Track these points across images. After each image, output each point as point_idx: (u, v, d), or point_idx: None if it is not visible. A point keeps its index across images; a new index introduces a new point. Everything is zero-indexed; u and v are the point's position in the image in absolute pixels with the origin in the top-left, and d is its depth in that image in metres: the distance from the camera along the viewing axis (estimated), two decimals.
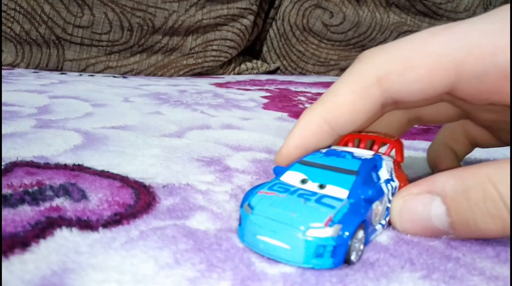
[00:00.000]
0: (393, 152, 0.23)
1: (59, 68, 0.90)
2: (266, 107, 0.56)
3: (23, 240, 0.17)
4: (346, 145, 0.23)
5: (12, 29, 0.88)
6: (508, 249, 0.19)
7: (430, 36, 0.19)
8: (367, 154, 0.21)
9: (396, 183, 0.21)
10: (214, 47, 0.98)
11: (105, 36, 0.89)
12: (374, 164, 0.20)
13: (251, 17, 1.00)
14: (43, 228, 0.19)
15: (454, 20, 1.12)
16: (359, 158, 0.20)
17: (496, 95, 0.19)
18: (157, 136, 0.37)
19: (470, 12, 1.12)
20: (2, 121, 0.38)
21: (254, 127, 0.43)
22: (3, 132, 0.34)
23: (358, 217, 0.17)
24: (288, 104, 0.60)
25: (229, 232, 0.20)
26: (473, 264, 0.18)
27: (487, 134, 0.26)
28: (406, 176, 0.23)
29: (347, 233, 0.16)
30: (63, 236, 0.18)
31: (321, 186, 0.19)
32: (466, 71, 0.18)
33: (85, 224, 0.19)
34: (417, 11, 1.11)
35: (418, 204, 0.19)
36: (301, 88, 0.79)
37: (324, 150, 0.22)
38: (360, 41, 1.11)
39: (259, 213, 0.17)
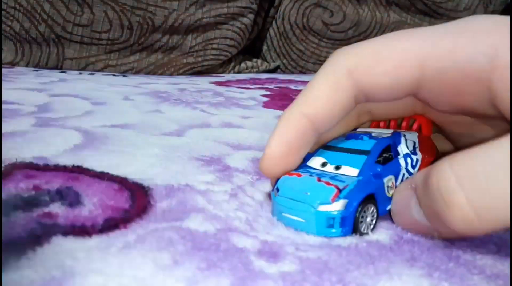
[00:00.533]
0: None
1: (59, 67, 0.90)
2: (266, 105, 0.56)
3: (18, 247, 0.17)
4: (378, 125, 0.25)
5: (12, 28, 0.88)
6: (509, 246, 0.19)
7: (401, 35, 0.20)
8: (386, 132, 0.23)
9: (418, 156, 0.23)
10: (214, 46, 0.98)
11: (105, 34, 0.89)
12: (388, 143, 0.22)
13: (251, 16, 1.00)
14: (39, 236, 0.18)
15: (455, 19, 1.12)
16: (376, 138, 0.22)
17: (457, 96, 0.19)
18: (157, 135, 0.37)
19: (470, 11, 1.12)
20: (2, 119, 0.38)
21: (254, 126, 0.43)
22: (3, 130, 0.34)
23: (363, 192, 0.20)
24: (288, 103, 0.59)
25: (228, 232, 0.20)
26: (473, 262, 0.18)
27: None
28: (435, 149, 0.24)
29: (350, 207, 0.19)
30: (59, 243, 0.18)
31: (337, 167, 0.21)
32: (429, 67, 0.19)
33: (80, 230, 0.19)
34: (417, 10, 1.11)
35: (402, 199, 0.20)
36: (301, 87, 0.79)
37: (346, 133, 0.24)
38: (360, 40, 1.10)
39: (282, 195, 0.21)
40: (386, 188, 0.21)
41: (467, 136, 0.23)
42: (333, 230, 0.19)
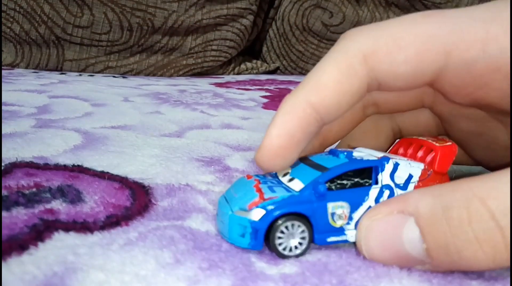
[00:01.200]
0: None
1: (58, 68, 0.90)
2: (266, 106, 0.56)
3: (21, 243, 0.17)
4: (397, 151, 0.22)
5: (12, 29, 0.88)
6: None
7: (422, 18, 0.17)
8: (375, 155, 0.20)
9: (404, 192, 0.19)
10: (214, 47, 0.98)
11: (105, 36, 0.89)
12: (361, 166, 0.19)
13: (251, 17, 1.00)
14: (41, 231, 0.18)
15: None
16: (352, 159, 0.19)
17: (481, 89, 0.17)
18: (157, 136, 0.37)
19: None
20: (2, 120, 0.38)
21: (254, 127, 0.43)
22: (2, 131, 0.34)
23: (288, 208, 0.17)
24: None
25: None
26: None
27: (460, 151, 0.23)
28: None
29: (259, 218, 0.17)
30: (61, 239, 0.18)
31: (291, 179, 0.19)
32: (455, 56, 0.17)
33: (82, 227, 0.19)
34: (416, 10, 1.11)
35: (387, 226, 0.17)
36: None
37: (330, 149, 0.22)
38: None
39: (225, 194, 0.20)
40: (329, 215, 0.18)
41: (475, 135, 0.22)
42: (243, 240, 0.18)
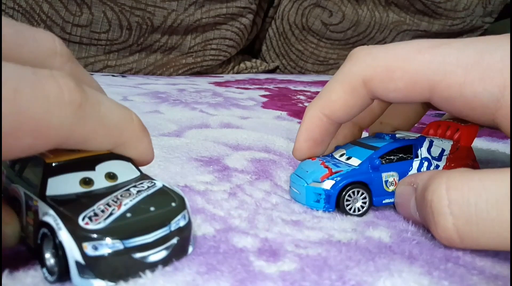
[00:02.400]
0: None
1: None
2: (265, 106, 0.56)
3: (27, 258, 0.17)
4: (427, 132, 0.27)
5: None
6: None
7: (414, 52, 0.20)
8: (413, 135, 0.25)
9: (441, 163, 0.24)
10: (213, 46, 0.98)
11: (104, 35, 0.89)
12: (405, 144, 0.24)
13: (250, 16, 1.00)
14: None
15: (453, 19, 1.12)
16: (396, 139, 0.24)
17: (466, 117, 0.20)
18: (156, 136, 0.37)
19: (469, 11, 1.12)
20: None
21: (253, 126, 0.43)
22: None
23: (352, 178, 0.23)
24: (287, 103, 0.60)
25: (228, 232, 0.20)
26: (473, 263, 0.18)
27: None
28: (470, 159, 0.25)
29: (334, 187, 0.23)
30: None
31: (348, 158, 0.25)
32: (438, 93, 0.20)
33: None
34: (416, 10, 1.11)
35: (403, 193, 0.22)
36: (300, 87, 0.79)
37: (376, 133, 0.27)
38: (360, 40, 1.11)
39: (295, 172, 0.25)
40: (384, 182, 0.23)
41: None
42: (318, 205, 0.23)
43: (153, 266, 0.16)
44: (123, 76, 0.86)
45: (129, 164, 0.19)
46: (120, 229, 0.15)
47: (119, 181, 0.18)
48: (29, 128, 0.13)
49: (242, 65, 1.06)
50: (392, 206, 0.24)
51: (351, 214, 0.23)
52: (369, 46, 0.23)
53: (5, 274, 0.16)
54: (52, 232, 0.15)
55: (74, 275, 0.15)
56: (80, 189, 0.17)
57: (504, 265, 0.18)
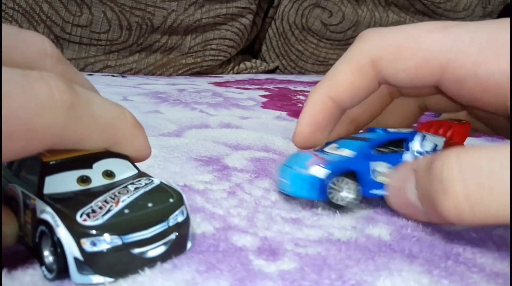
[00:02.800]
0: None
1: None
2: (265, 106, 0.56)
3: (25, 256, 0.17)
4: (428, 129, 0.26)
5: None
6: (509, 244, 0.19)
7: (425, 32, 0.20)
8: (406, 130, 0.24)
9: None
10: (213, 46, 0.98)
11: (104, 35, 0.89)
12: (396, 137, 0.24)
13: (250, 16, 1.00)
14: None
15: (453, 19, 1.12)
16: (387, 132, 0.24)
17: (476, 102, 0.20)
18: (155, 135, 0.37)
19: (469, 11, 1.12)
20: None
21: (253, 126, 0.43)
22: None
23: (340, 166, 0.22)
24: (287, 103, 0.60)
25: (228, 230, 0.20)
26: (473, 260, 0.18)
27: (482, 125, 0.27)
28: None
29: (318, 174, 0.21)
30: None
31: (339, 149, 0.24)
32: (449, 73, 0.19)
33: None
34: (416, 10, 1.11)
35: (400, 177, 0.21)
36: (300, 87, 0.79)
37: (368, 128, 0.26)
38: None
39: (284, 163, 0.24)
40: (371, 172, 0.22)
41: (488, 118, 0.25)
42: (304, 192, 0.22)
43: (152, 261, 0.16)
44: (123, 76, 0.86)
45: (126, 162, 0.19)
46: (118, 225, 0.15)
47: (117, 179, 0.18)
48: (21, 132, 0.13)
49: (242, 65, 1.06)
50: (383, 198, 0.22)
51: (334, 204, 0.22)
52: (378, 28, 0.22)
53: (3, 273, 0.16)
54: (50, 229, 0.15)
55: (73, 272, 0.15)
56: (77, 187, 0.17)
57: (505, 262, 0.18)
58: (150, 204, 0.16)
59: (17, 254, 0.17)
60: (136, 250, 0.15)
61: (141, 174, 0.19)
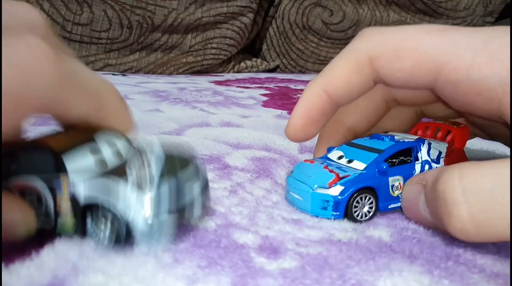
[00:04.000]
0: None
1: None
2: (265, 104, 0.56)
3: (22, 250, 0.17)
4: (416, 133, 0.26)
5: None
6: (509, 245, 0.19)
7: (424, 33, 0.20)
8: (411, 138, 0.24)
9: (440, 165, 0.24)
10: (214, 45, 0.98)
11: (105, 33, 0.89)
12: (406, 146, 0.23)
13: (251, 15, 1.00)
14: (42, 234, 0.18)
15: (454, 18, 1.12)
16: (395, 141, 0.24)
17: (470, 107, 0.20)
18: (156, 134, 0.37)
19: (469, 11, 1.12)
20: None
21: (254, 125, 0.43)
22: None
23: (361, 183, 0.21)
24: (287, 102, 0.60)
25: (229, 228, 0.20)
26: (474, 261, 0.18)
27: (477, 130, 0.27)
28: (465, 161, 0.24)
29: (343, 194, 0.21)
30: (62, 244, 0.18)
31: (350, 161, 0.23)
32: (444, 75, 0.19)
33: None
34: (417, 9, 1.11)
35: (412, 192, 0.21)
36: (300, 86, 0.79)
37: (372, 134, 0.26)
38: None
39: (293, 176, 0.23)
40: (390, 187, 0.22)
41: (484, 124, 0.24)
42: (325, 212, 0.21)
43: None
44: (123, 75, 0.86)
45: (125, 143, 0.19)
46: (170, 191, 0.17)
47: (125, 159, 0.19)
48: (10, 101, 0.13)
49: (242, 64, 1.06)
50: (399, 210, 0.23)
51: (358, 221, 0.21)
52: (378, 27, 0.22)
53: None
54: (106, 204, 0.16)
55: (138, 237, 0.16)
56: (98, 168, 0.18)
57: (505, 262, 0.18)
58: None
59: (13, 248, 0.17)
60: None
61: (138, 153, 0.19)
